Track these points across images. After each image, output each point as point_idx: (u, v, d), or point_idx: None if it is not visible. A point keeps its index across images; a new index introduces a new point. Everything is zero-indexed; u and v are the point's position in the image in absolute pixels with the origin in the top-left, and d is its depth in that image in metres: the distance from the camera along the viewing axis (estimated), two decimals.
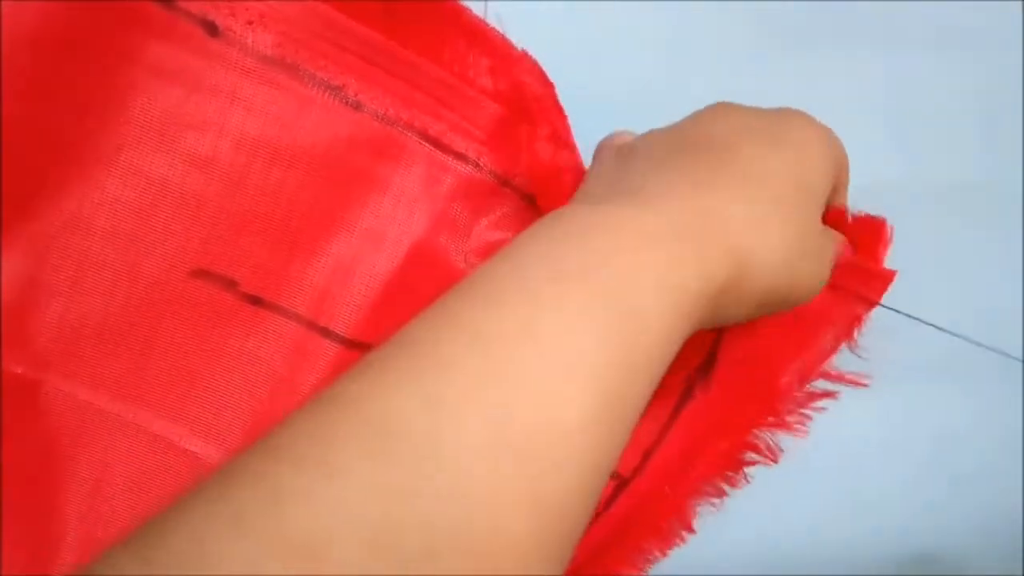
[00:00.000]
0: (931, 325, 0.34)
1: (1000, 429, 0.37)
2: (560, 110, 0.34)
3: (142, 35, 0.29)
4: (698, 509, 0.37)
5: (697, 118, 0.29)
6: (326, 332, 0.34)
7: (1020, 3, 0.38)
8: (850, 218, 0.32)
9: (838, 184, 0.30)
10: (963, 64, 0.38)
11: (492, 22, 0.33)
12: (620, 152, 0.30)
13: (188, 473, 0.33)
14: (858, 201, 0.33)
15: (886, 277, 0.33)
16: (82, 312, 0.31)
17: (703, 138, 0.27)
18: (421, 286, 0.34)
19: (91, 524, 0.33)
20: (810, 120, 0.28)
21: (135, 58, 0.29)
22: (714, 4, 0.38)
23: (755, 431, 0.36)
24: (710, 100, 0.35)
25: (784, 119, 0.28)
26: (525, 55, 0.33)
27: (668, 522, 0.37)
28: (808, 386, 0.36)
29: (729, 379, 0.35)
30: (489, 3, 0.34)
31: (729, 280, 0.24)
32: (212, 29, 0.29)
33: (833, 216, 0.32)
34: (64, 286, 0.31)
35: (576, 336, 0.21)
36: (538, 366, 0.20)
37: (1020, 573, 0.34)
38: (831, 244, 0.30)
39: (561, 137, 0.34)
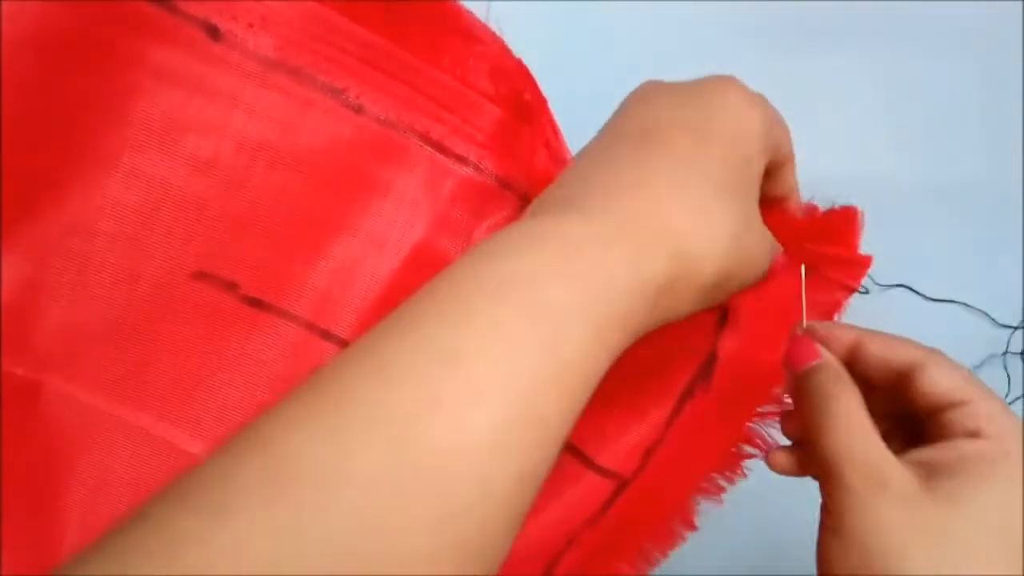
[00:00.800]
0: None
1: None
2: (552, 122, 0.34)
3: (144, 38, 0.29)
4: (699, 506, 0.37)
5: (629, 109, 0.29)
6: (326, 334, 0.34)
7: (1020, 3, 0.38)
8: (821, 210, 0.33)
9: (779, 156, 0.30)
10: (963, 64, 0.38)
11: (492, 23, 0.33)
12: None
13: None
14: (858, 198, 0.33)
15: (863, 263, 0.34)
16: (84, 314, 0.31)
17: (638, 130, 0.27)
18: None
19: (92, 525, 0.33)
20: (739, 90, 0.28)
21: (137, 61, 0.29)
22: (714, 4, 0.38)
23: (751, 423, 0.36)
24: None
25: (713, 93, 0.28)
26: (520, 64, 0.33)
27: (669, 520, 0.37)
28: None
29: (727, 376, 0.35)
30: (490, 4, 0.34)
31: (671, 277, 0.25)
32: (214, 32, 0.29)
33: (782, 217, 0.32)
34: (66, 289, 0.31)
35: (492, 356, 0.21)
36: (448, 389, 0.20)
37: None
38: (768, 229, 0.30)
39: (552, 147, 0.34)
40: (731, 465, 0.37)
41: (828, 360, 0.28)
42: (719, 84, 0.28)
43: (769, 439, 0.36)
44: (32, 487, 0.32)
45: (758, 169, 0.28)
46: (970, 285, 0.39)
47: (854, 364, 0.28)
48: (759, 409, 0.36)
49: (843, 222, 0.33)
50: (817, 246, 0.32)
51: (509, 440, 0.21)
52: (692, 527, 0.37)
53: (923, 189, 0.38)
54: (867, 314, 0.35)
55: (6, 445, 0.31)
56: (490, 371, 0.21)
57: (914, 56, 0.37)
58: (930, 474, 0.25)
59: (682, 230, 0.25)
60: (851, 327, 0.29)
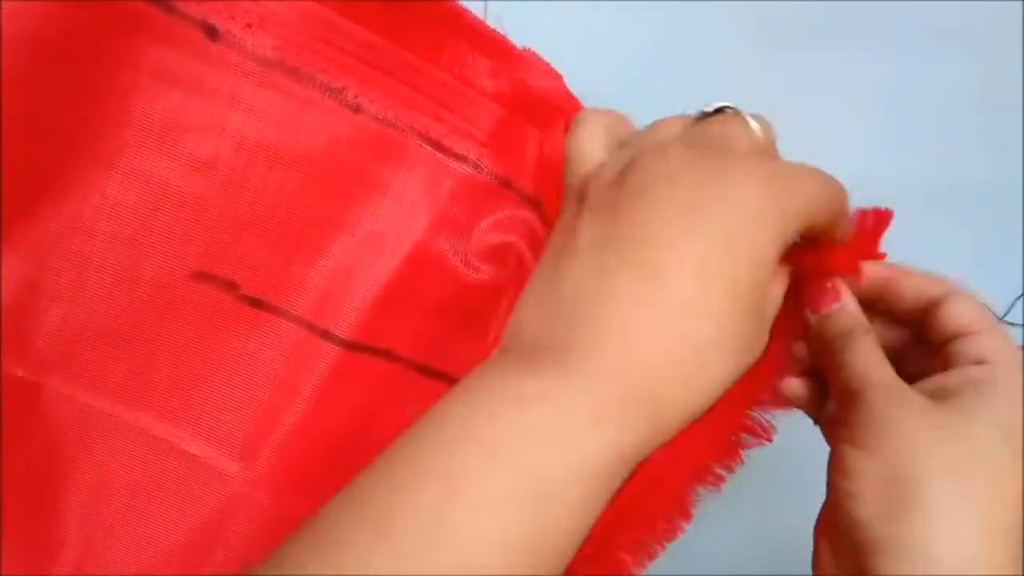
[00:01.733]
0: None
1: None
2: (573, 98, 0.33)
3: (142, 39, 0.29)
4: (697, 498, 0.37)
5: (634, 190, 0.27)
6: (326, 334, 0.34)
7: (1020, 3, 0.38)
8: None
9: (817, 227, 0.28)
10: (963, 64, 0.38)
11: (492, 22, 0.33)
12: (567, 235, 0.28)
13: (189, 476, 0.33)
14: (858, 198, 0.33)
15: (877, 260, 0.33)
16: (83, 315, 0.31)
17: (636, 237, 0.26)
18: (421, 288, 0.34)
19: (92, 527, 0.33)
20: (752, 191, 0.26)
21: (135, 62, 0.29)
22: (714, 4, 0.38)
23: (749, 410, 0.36)
24: (710, 100, 0.35)
25: (719, 204, 0.25)
26: (528, 52, 0.33)
27: (667, 512, 0.37)
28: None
29: None
30: (489, 3, 0.34)
31: (653, 433, 0.25)
32: (212, 32, 0.29)
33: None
34: (65, 290, 0.31)
35: (481, 521, 0.22)
36: (441, 557, 0.21)
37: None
38: (772, 310, 0.29)
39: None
40: (730, 454, 0.37)
41: (848, 303, 0.31)
42: (730, 184, 0.26)
43: (768, 426, 0.36)
44: (32, 488, 0.32)
45: (768, 276, 0.26)
46: (970, 284, 0.39)
47: (881, 299, 0.31)
48: (759, 398, 0.36)
49: (874, 220, 0.32)
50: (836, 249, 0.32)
51: None
52: (689, 516, 0.37)
53: (923, 189, 0.38)
54: None
55: (6, 447, 0.31)
56: (481, 554, 0.22)
57: (914, 56, 0.37)
58: (939, 397, 0.28)
59: (669, 400, 0.25)
60: (880, 266, 0.32)
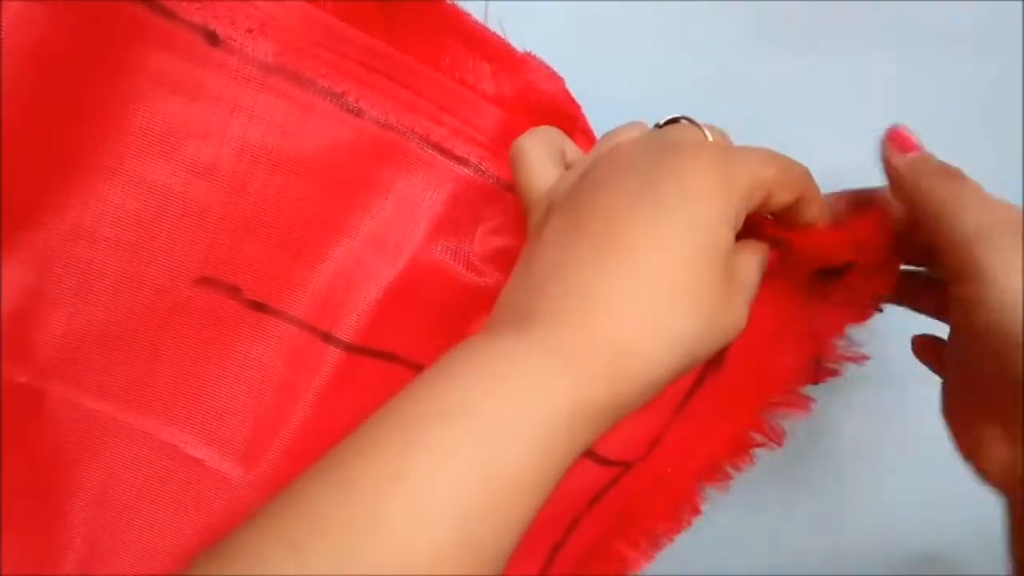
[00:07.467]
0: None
1: None
2: (573, 101, 0.34)
3: (143, 45, 0.29)
4: (704, 493, 0.37)
5: (593, 181, 0.29)
6: (328, 337, 0.34)
7: (1020, 3, 0.38)
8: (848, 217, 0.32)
9: (780, 200, 0.29)
10: (963, 64, 0.38)
11: (492, 24, 0.33)
12: (538, 232, 0.30)
13: (193, 480, 0.33)
14: None
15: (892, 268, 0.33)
16: (86, 321, 0.31)
17: (599, 226, 0.27)
18: (423, 290, 0.34)
19: (97, 531, 0.33)
20: (698, 167, 0.27)
21: (136, 68, 0.29)
22: (714, 4, 0.38)
23: (761, 412, 0.36)
24: (710, 100, 0.35)
25: (670, 178, 0.27)
26: (528, 55, 0.33)
27: (675, 505, 0.37)
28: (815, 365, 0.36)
29: (738, 364, 0.35)
30: (489, 4, 0.34)
31: (614, 396, 0.26)
32: (213, 38, 0.29)
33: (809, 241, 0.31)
34: (68, 296, 0.31)
35: (438, 476, 0.23)
36: (396, 509, 0.22)
37: None
38: (746, 265, 0.30)
39: (579, 128, 0.34)
40: (739, 452, 0.37)
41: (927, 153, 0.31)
42: (679, 163, 0.28)
43: (780, 430, 0.36)
44: (37, 493, 0.32)
45: (726, 245, 0.28)
46: None
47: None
48: (770, 399, 0.36)
49: (872, 233, 0.32)
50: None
51: (445, 562, 0.22)
52: (697, 512, 0.37)
53: None
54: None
55: (10, 452, 0.31)
56: (433, 495, 0.23)
57: (915, 56, 0.37)
58: None
59: (629, 347, 0.26)
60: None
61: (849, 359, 0.37)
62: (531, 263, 0.29)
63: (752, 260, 0.30)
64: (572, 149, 0.32)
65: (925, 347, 0.34)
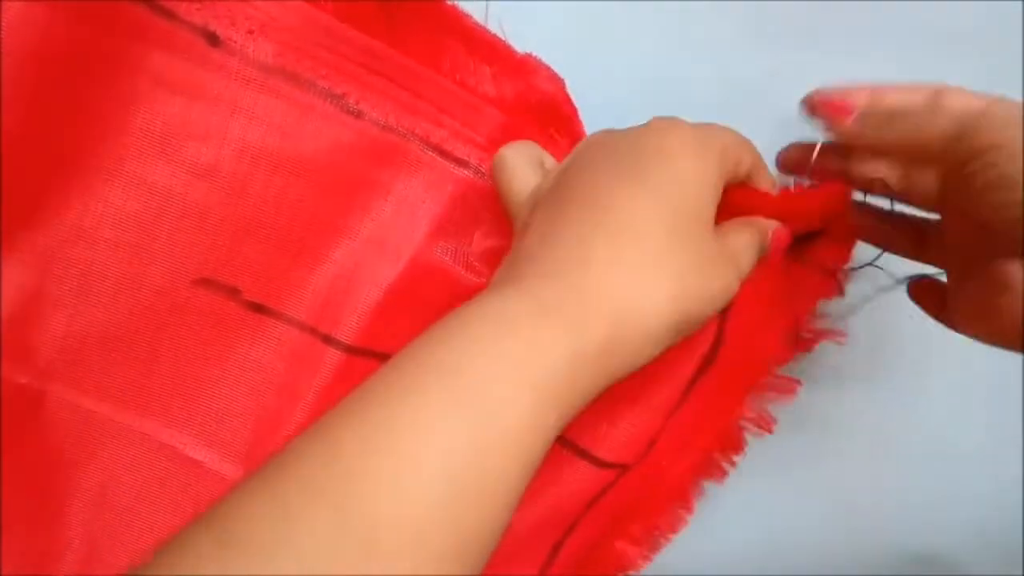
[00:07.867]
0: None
1: (999, 429, 0.38)
2: (571, 104, 0.34)
3: (144, 46, 0.29)
4: (699, 490, 0.37)
5: (576, 165, 0.30)
6: (328, 339, 0.34)
7: (1020, 3, 0.38)
8: (802, 187, 0.33)
9: (740, 173, 0.31)
10: (963, 64, 0.37)
11: (492, 23, 0.33)
12: (526, 226, 0.30)
13: (192, 481, 0.33)
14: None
15: (849, 242, 0.33)
16: (86, 322, 0.31)
17: (581, 196, 0.29)
18: (423, 292, 0.34)
19: (96, 532, 0.33)
20: (676, 135, 0.29)
21: (137, 69, 0.29)
22: (714, 4, 0.38)
23: (749, 397, 0.36)
24: (710, 100, 0.35)
25: (648, 147, 0.29)
26: (529, 57, 0.33)
27: (669, 501, 0.37)
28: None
29: (730, 358, 0.35)
30: (489, 5, 0.34)
31: (612, 339, 0.26)
32: (213, 39, 0.29)
33: (759, 200, 0.32)
34: (68, 297, 0.31)
35: (428, 434, 0.23)
36: (388, 464, 0.22)
37: (1020, 573, 0.34)
38: (739, 242, 0.31)
39: (574, 134, 0.34)
40: (732, 442, 0.37)
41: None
42: (656, 134, 0.29)
43: (769, 417, 0.37)
44: (36, 494, 0.32)
45: (707, 205, 0.29)
46: None
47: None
48: (759, 382, 0.36)
49: (834, 200, 0.32)
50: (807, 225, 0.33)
51: (445, 514, 0.22)
52: (689, 510, 0.37)
53: None
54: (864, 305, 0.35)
55: (10, 453, 0.31)
56: (427, 448, 0.23)
57: (915, 56, 0.37)
58: None
59: (619, 295, 0.26)
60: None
61: (826, 335, 0.37)
62: (519, 245, 0.29)
63: (746, 237, 0.31)
64: (550, 160, 0.33)
65: (920, 287, 0.33)
